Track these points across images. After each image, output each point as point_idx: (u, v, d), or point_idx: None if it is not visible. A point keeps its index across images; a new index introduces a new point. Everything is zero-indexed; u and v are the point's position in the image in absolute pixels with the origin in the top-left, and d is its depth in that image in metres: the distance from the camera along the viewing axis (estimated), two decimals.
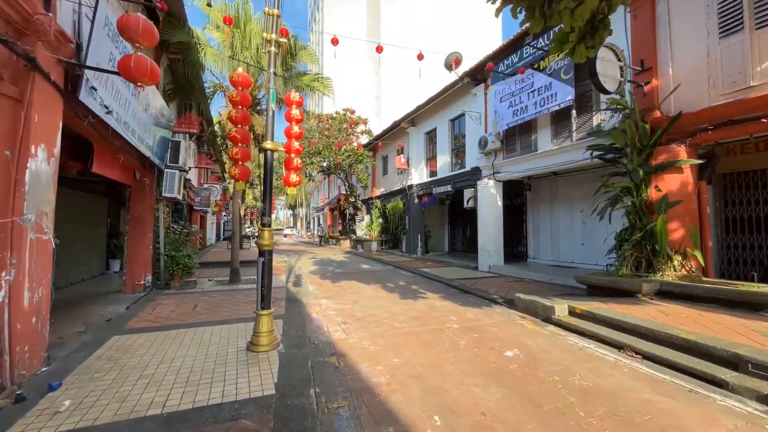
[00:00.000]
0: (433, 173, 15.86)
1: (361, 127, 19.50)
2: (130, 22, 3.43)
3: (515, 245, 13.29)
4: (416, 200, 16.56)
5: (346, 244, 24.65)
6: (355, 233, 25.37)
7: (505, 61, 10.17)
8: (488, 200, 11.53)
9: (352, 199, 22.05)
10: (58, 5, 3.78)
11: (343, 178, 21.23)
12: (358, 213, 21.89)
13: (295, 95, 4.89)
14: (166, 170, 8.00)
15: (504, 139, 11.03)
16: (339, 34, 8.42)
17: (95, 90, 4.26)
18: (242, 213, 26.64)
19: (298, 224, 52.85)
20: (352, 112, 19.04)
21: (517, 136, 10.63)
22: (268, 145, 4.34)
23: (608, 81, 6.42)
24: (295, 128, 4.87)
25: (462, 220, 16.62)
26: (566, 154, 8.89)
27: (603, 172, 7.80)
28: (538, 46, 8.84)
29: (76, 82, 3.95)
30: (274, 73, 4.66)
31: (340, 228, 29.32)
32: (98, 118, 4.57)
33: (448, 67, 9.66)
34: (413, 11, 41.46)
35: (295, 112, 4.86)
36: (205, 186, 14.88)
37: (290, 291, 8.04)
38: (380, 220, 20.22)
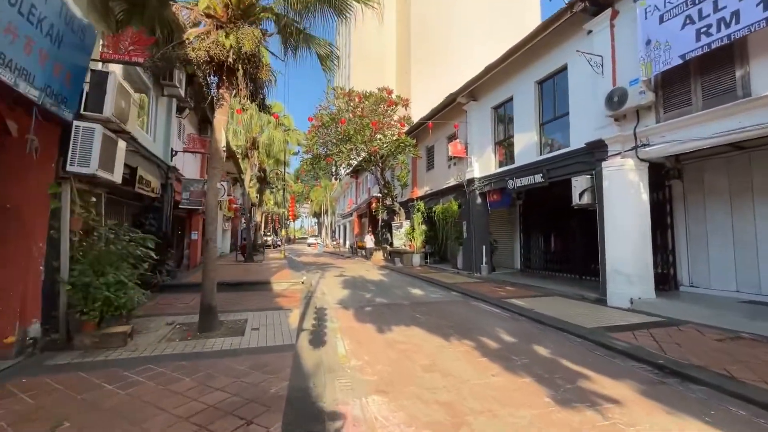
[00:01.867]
0: (504, 161, 11.55)
1: (400, 112, 15.50)
2: None
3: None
4: (479, 200, 12.26)
5: (378, 256, 20.58)
6: (390, 243, 21.33)
7: None
8: (623, 191, 7.11)
9: (388, 201, 18.04)
10: None
11: (377, 174, 17.28)
12: (395, 218, 17.81)
13: None
14: (76, 125, 4.25)
15: (660, 89, 6.63)
16: None
17: None
18: (258, 218, 23.28)
19: (323, 233, 49.54)
20: (389, 92, 15.15)
21: (693, 78, 6.21)
22: None
23: None
24: None
25: (545, 227, 12.12)
26: None
27: None
28: None
29: None
30: None
31: (372, 237, 25.34)
32: None
33: None
34: None
35: None
36: (198, 179, 11.29)
37: (302, 365, 3.99)
38: (423, 227, 16.04)
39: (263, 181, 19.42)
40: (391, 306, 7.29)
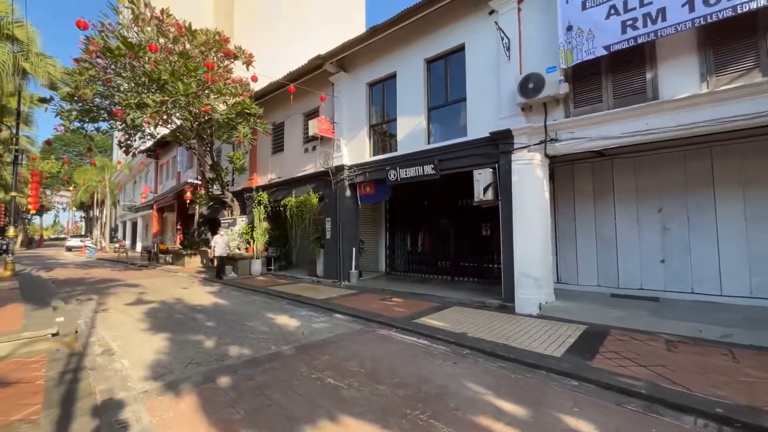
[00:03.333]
0: (383, 148, 9.89)
1: (237, 74, 11.44)
2: None
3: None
4: (348, 192, 10.16)
5: (195, 262, 15.42)
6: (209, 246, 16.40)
7: None
8: (532, 188, 6.60)
9: (216, 190, 13.43)
10: None
11: (202, 152, 12.43)
12: (226, 212, 13.42)
13: None
14: None
15: (572, 81, 6.34)
16: None
17: None
18: None
19: (96, 232, 35.65)
20: (226, 40, 10.93)
21: (605, 75, 6.09)
22: None
23: None
24: None
25: (414, 224, 11.22)
26: (738, 104, 4.83)
27: None
28: None
29: None
30: None
31: (180, 237, 19.07)
32: None
33: None
34: None
35: None
36: None
37: None
38: (266, 225, 12.62)
39: None
40: (265, 364, 4.16)
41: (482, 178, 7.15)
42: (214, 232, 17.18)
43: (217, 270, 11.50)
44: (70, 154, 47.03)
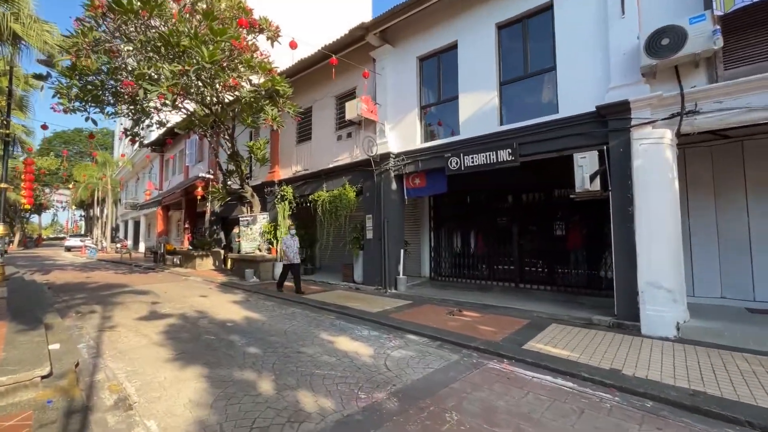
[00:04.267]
0: (437, 133, 8.45)
1: (261, 49, 9.94)
2: None
3: (594, 266, 7.52)
4: (393, 185, 8.72)
5: (207, 265, 13.99)
6: (228, 246, 15.01)
7: None
8: (658, 174, 5.16)
9: (234, 184, 11.97)
10: None
11: (221, 139, 10.93)
12: (246, 209, 11.96)
13: None
14: None
15: (724, 35, 4.89)
16: None
17: None
18: None
19: (96, 231, 34.13)
20: (249, 10, 9.47)
21: None
22: None
23: None
24: None
25: (467, 222, 9.76)
26: None
27: None
28: None
29: None
30: None
31: (188, 237, 17.61)
32: None
33: None
34: None
35: None
36: None
37: None
38: (289, 223, 11.15)
39: None
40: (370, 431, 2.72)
41: (586, 163, 5.70)
42: (227, 231, 15.79)
43: (280, 280, 8.92)
44: (70, 152, 45.60)
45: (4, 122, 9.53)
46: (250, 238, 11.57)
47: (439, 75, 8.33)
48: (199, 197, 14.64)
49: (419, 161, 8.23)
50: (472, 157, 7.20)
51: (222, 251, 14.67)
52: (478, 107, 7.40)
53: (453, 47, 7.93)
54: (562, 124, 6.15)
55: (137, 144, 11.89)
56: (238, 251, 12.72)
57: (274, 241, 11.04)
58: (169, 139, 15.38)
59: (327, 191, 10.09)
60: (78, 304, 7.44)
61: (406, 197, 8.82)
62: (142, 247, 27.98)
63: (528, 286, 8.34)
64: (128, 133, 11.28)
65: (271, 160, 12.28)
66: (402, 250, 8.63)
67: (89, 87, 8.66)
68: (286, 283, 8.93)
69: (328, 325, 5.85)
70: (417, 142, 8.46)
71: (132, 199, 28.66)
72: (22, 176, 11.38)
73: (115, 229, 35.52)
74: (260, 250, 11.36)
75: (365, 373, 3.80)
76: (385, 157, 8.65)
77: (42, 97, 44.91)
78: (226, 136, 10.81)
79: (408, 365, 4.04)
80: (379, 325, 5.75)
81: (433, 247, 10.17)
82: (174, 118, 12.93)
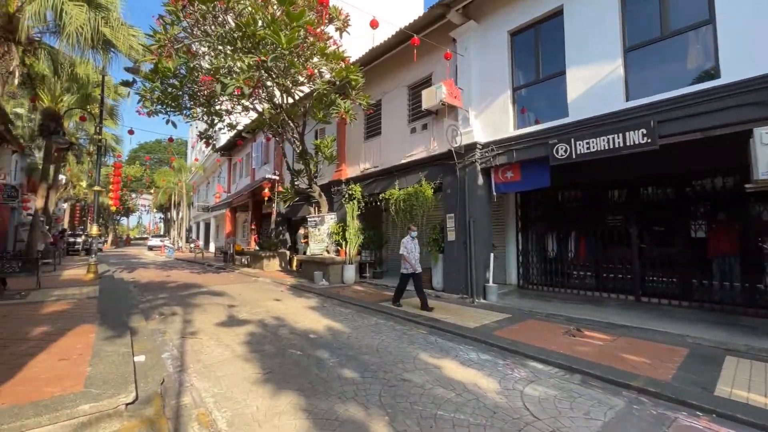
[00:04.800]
0: (532, 118, 7.25)
1: (329, 36, 9.37)
2: None
3: (755, 278, 5.81)
4: (480, 179, 7.67)
5: (273, 266, 13.95)
6: (293, 247, 14.93)
7: None
8: None
9: (302, 184, 11.71)
10: None
11: (294, 136, 10.65)
12: (312, 210, 11.64)
13: None
14: None
15: None
16: None
17: None
18: (40, 202, 13.20)
19: (173, 232, 37.17)
20: (323, 1, 8.98)
21: None
22: None
23: None
24: None
25: (556, 222, 8.39)
26: None
27: None
28: None
29: None
30: None
31: (255, 237, 17.99)
32: None
33: None
34: None
35: None
36: None
37: None
38: (357, 223, 10.53)
39: (50, 132, 10.11)
40: None
41: None
42: (292, 232, 15.76)
43: (397, 294, 7.01)
44: (151, 160, 50.57)
45: (97, 129, 10.13)
46: (318, 239, 11.19)
47: (537, 50, 7.12)
48: (265, 198, 14.73)
49: (513, 151, 7.09)
50: (588, 143, 5.92)
51: (288, 252, 14.62)
52: (595, 82, 6.09)
53: (556, 14, 6.69)
54: (729, 91, 4.68)
55: (210, 146, 12.14)
56: (304, 252, 12.49)
57: (343, 243, 10.50)
58: (240, 140, 15.75)
59: (400, 189, 9.30)
60: (160, 305, 7.41)
61: (494, 193, 7.72)
62: (212, 247, 29.69)
63: (653, 300, 6.77)
64: (202, 135, 11.54)
65: (338, 158, 11.82)
66: (491, 255, 7.53)
67: (169, 89, 8.79)
68: (358, 286, 8.26)
69: (422, 341, 4.99)
70: (509, 129, 7.32)
71: (203, 202, 30.57)
72: (111, 179, 12.13)
73: (189, 230, 38.37)
74: (328, 252, 10.90)
75: (506, 420, 2.85)
76: (471, 148, 7.63)
77: (129, 102, 50.28)
78: (295, 135, 10.52)
79: (559, 412, 3.01)
80: (486, 346, 4.75)
81: (521, 250, 8.89)
82: (243, 120, 13.11)
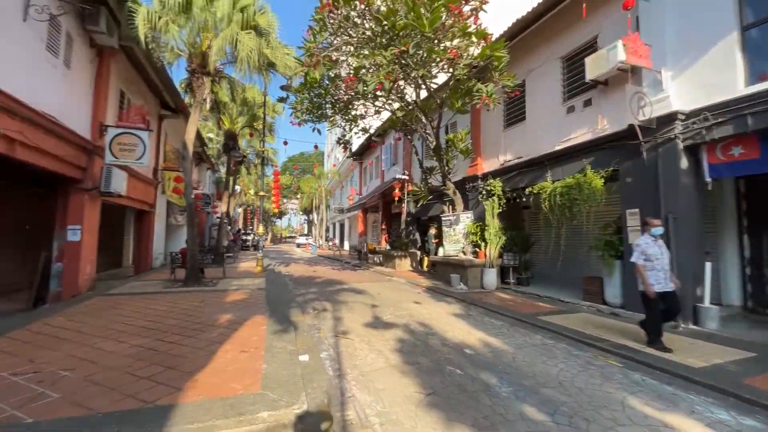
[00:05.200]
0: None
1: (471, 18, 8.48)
2: None
3: None
4: (682, 162, 5.67)
5: (405, 265, 13.88)
6: (424, 248, 14.65)
7: None
8: None
9: (434, 182, 11.29)
10: None
11: (427, 132, 10.31)
12: (446, 208, 11.05)
13: None
14: None
15: None
16: None
17: None
18: (224, 207, 16.22)
19: (314, 231, 42.35)
20: None
21: None
22: None
23: None
24: None
25: None
26: None
27: None
28: None
29: None
30: None
31: (385, 237, 18.55)
32: None
33: None
34: None
35: None
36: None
37: None
38: (497, 222, 9.36)
39: (230, 149, 12.47)
40: None
41: None
42: (422, 232, 15.55)
43: (657, 324, 4.59)
44: (297, 170, 59.22)
45: (261, 144, 11.82)
46: (453, 239, 10.50)
47: None
48: (395, 199, 14.89)
49: (746, 116, 4.93)
50: None
51: (418, 252, 14.42)
52: None
53: None
54: None
55: (347, 150, 12.85)
56: (435, 253, 12.00)
57: (482, 244, 9.54)
58: (373, 143, 16.41)
59: (553, 181, 7.82)
60: (312, 299, 7.93)
61: (708, 179, 5.59)
62: (346, 245, 32.42)
63: None
64: (340, 141, 12.29)
65: (473, 151, 10.89)
66: (707, 264, 5.46)
67: (315, 100, 9.51)
68: (501, 293, 7.17)
69: (621, 379, 3.72)
70: (737, 87, 5.15)
71: (338, 204, 33.69)
72: (272, 186, 14.04)
73: (327, 230, 43.09)
74: (464, 253, 10.10)
75: None
76: (667, 119, 5.71)
77: (283, 118, 59.68)
78: (428, 130, 10.10)
79: None
80: (736, 400, 3.19)
81: (749, 259, 6.28)
82: (375, 123, 13.51)
